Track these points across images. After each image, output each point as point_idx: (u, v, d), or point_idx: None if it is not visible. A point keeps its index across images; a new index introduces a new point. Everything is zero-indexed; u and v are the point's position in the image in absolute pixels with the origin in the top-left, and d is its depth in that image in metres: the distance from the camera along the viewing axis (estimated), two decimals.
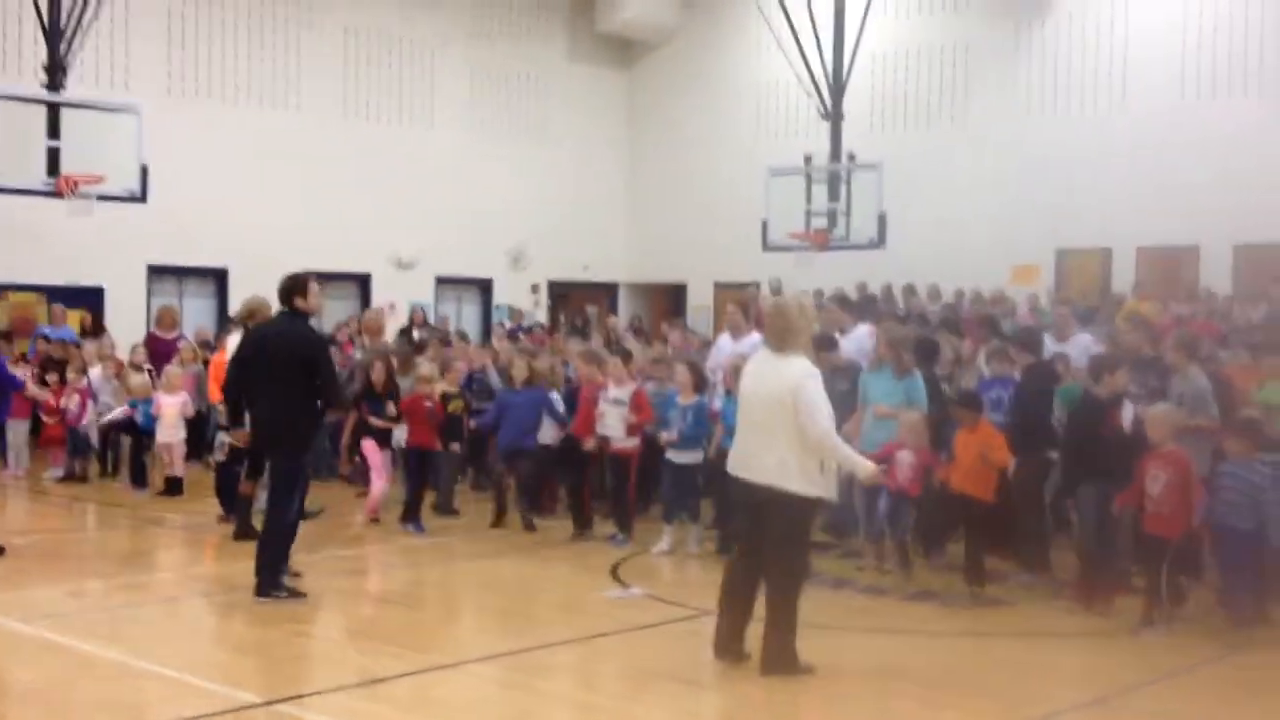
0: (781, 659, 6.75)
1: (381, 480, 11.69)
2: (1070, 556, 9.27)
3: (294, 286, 8.54)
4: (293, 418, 8.46)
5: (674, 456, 10.35)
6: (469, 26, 23.43)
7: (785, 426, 6.57)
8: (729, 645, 6.94)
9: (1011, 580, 9.26)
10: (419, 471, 11.46)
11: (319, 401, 8.68)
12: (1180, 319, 14.64)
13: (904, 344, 10.27)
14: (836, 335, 11.72)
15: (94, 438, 14.24)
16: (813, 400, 6.59)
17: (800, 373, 6.64)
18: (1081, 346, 11.58)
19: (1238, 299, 16.04)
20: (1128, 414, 8.70)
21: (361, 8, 21.86)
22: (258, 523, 9.27)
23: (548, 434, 11.69)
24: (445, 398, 11.94)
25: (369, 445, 11.75)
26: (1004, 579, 9.23)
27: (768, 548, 6.77)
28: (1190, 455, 8.14)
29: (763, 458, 6.66)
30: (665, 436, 10.39)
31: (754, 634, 6.87)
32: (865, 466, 6.94)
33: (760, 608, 6.89)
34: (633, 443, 10.84)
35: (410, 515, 11.27)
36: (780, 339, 6.76)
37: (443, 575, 9.85)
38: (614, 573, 9.59)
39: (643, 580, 9.29)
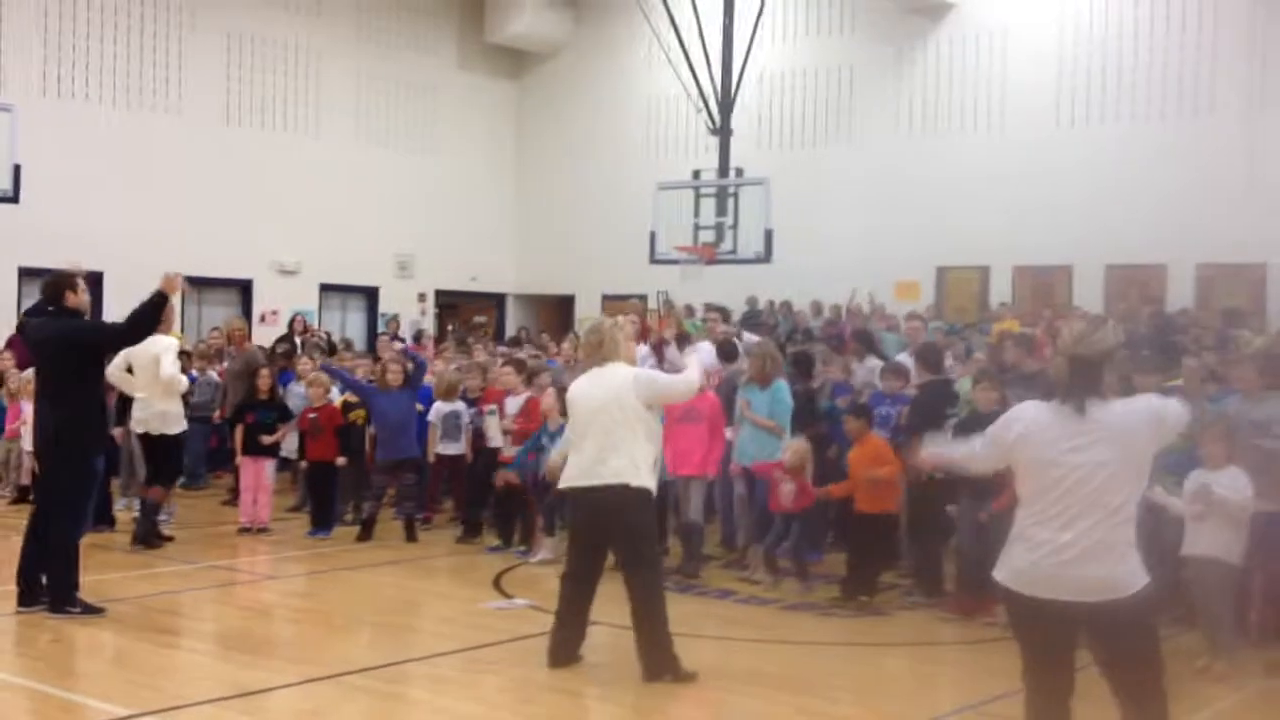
0: (665, 663, 6.80)
1: (266, 494, 11.57)
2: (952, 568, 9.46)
3: (64, 283, 8.18)
4: (70, 420, 8.06)
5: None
6: (356, 33, 23.18)
7: (628, 425, 6.77)
8: (566, 654, 7.02)
9: (895, 593, 9.39)
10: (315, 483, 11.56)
11: (99, 400, 8.36)
12: (1054, 336, 15.03)
13: (763, 356, 10.35)
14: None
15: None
16: (652, 375, 7.27)
17: (628, 371, 6.98)
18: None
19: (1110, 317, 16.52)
20: None
21: (246, 12, 21.50)
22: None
23: (454, 446, 11.65)
24: (346, 407, 11.82)
25: (249, 461, 11.57)
26: (886, 590, 9.37)
27: (626, 555, 6.88)
28: None
29: (608, 462, 6.76)
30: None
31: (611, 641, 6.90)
32: (697, 376, 7.31)
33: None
34: (512, 452, 10.78)
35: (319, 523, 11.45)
36: (603, 352, 7.03)
37: (322, 587, 9.68)
38: (497, 584, 9.54)
39: (526, 591, 9.24)
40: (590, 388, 6.99)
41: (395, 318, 21.97)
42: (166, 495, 10.91)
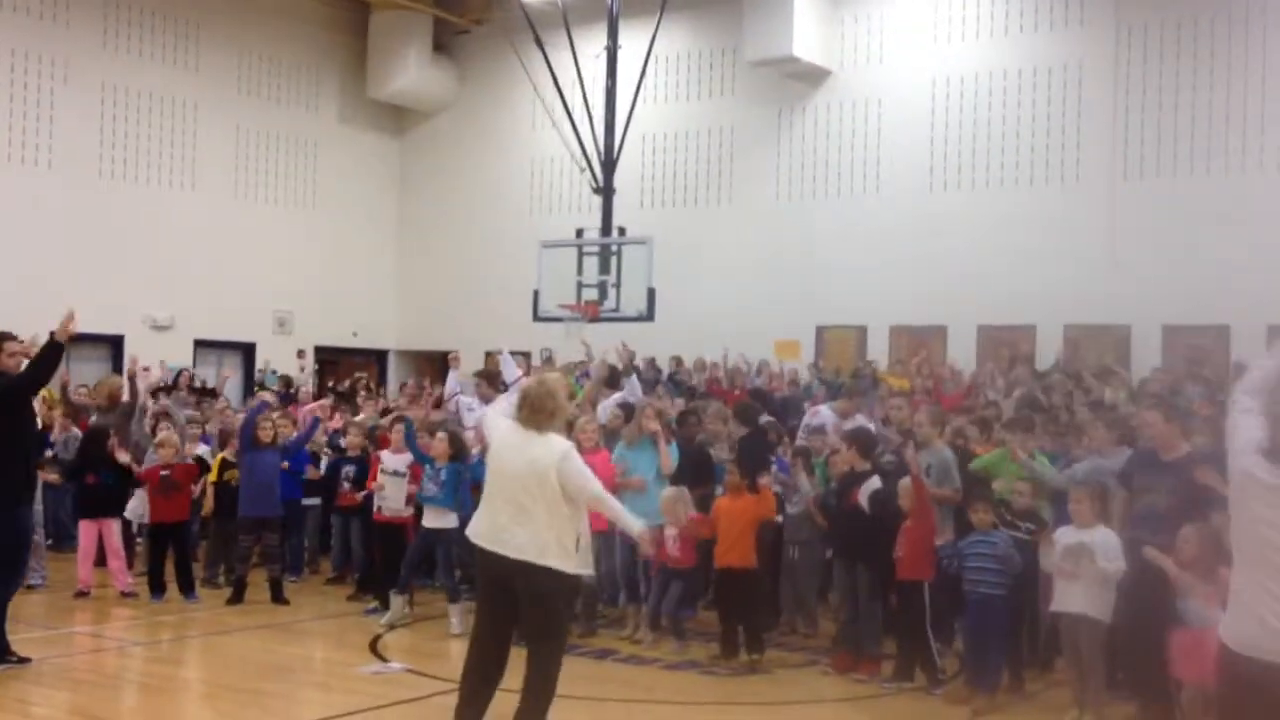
0: None
1: (119, 557, 11.24)
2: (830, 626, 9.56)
3: None
4: None
5: (428, 521, 10.08)
6: (236, 87, 22.89)
7: (543, 502, 6.44)
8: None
9: (778, 650, 9.45)
10: (163, 544, 11.14)
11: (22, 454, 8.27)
12: (929, 392, 15.36)
13: (662, 417, 10.44)
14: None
15: None
16: (580, 471, 6.57)
17: (562, 449, 6.56)
18: (826, 419, 12.19)
19: (980, 376, 16.89)
20: (866, 490, 9.00)
21: (121, 64, 21.10)
22: None
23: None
24: (225, 465, 11.62)
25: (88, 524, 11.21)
26: (763, 648, 9.40)
27: (529, 626, 6.59)
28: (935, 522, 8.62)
29: (515, 534, 6.46)
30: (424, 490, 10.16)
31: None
32: (638, 525, 6.88)
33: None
34: (409, 511, 10.67)
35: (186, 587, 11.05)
36: (544, 420, 6.62)
37: (189, 653, 9.41)
38: (373, 647, 9.36)
39: (403, 655, 9.10)
40: (517, 449, 6.57)
41: (277, 373, 21.45)
42: None
